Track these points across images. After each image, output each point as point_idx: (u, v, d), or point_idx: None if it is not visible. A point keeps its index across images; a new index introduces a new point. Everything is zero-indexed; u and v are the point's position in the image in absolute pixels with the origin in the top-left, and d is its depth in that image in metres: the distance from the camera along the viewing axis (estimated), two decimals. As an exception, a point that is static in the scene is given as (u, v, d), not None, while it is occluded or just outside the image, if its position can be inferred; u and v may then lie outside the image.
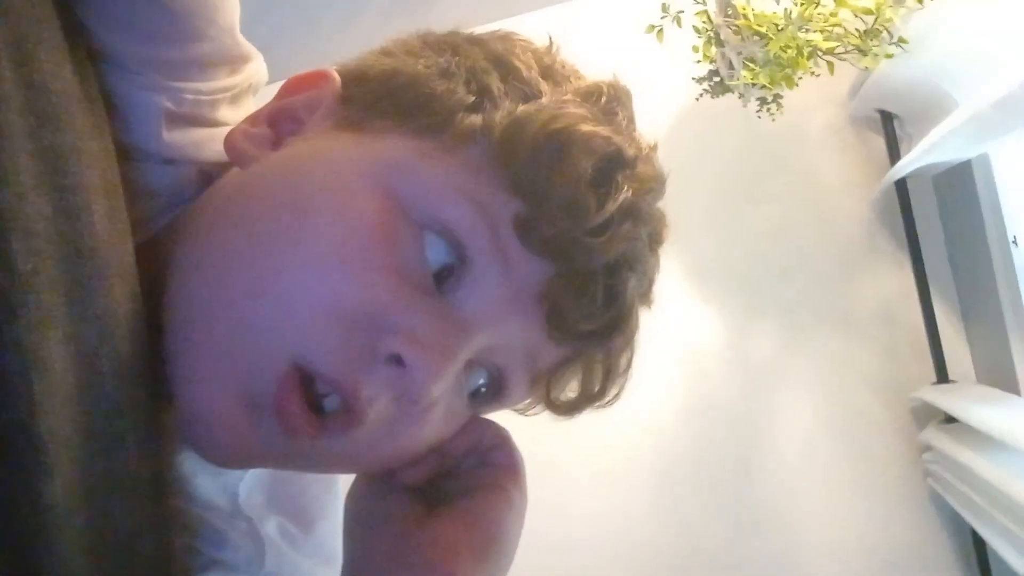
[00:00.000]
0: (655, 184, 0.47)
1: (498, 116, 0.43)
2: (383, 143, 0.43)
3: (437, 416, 0.43)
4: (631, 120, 0.48)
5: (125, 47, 0.40)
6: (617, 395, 0.52)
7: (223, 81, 0.45)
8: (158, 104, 0.42)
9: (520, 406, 0.50)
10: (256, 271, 0.39)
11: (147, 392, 0.39)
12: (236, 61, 0.46)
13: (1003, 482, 1.10)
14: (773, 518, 1.48)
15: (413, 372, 0.38)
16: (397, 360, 0.38)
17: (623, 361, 0.50)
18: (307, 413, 0.38)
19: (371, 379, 0.39)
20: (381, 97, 0.45)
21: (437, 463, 0.47)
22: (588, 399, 0.50)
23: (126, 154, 0.41)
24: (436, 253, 0.41)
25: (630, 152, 0.45)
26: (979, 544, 1.39)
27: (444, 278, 0.41)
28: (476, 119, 0.43)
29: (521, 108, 0.43)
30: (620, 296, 0.44)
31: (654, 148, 0.49)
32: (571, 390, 0.50)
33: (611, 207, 0.42)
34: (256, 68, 0.49)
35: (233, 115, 0.47)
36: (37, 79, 0.34)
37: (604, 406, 0.52)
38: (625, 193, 0.43)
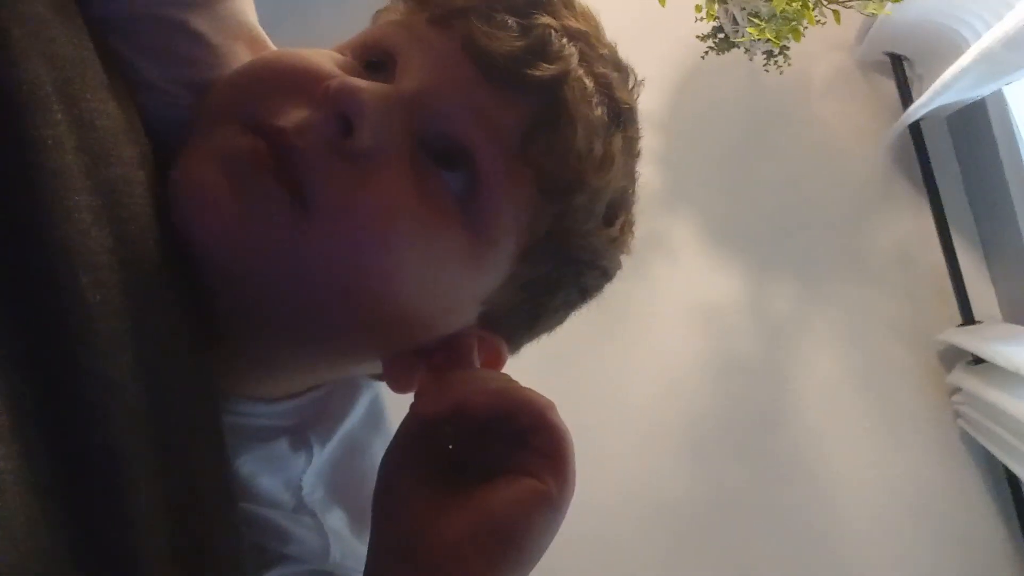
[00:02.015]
0: None
1: None
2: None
3: (402, 179, 0.42)
4: None
5: (158, 73, 0.43)
6: (603, 169, 0.47)
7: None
8: (185, 90, 0.45)
9: (516, 202, 0.46)
10: (229, 79, 0.45)
11: (211, 397, 0.41)
12: (258, 40, 0.49)
13: None
14: (803, 469, 1.49)
15: (343, 88, 0.41)
16: (326, 91, 0.41)
17: (596, 115, 0.46)
18: (275, 164, 0.40)
19: (309, 114, 0.41)
20: None
21: (454, 405, 0.42)
22: (571, 158, 0.45)
23: (165, 171, 0.43)
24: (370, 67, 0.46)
25: None
26: (1014, 482, 1.40)
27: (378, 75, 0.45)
28: None
29: None
30: (536, 26, 0.45)
31: None
32: (553, 152, 0.45)
33: None
34: None
35: None
36: (86, 118, 0.36)
37: (598, 201, 0.48)
38: None
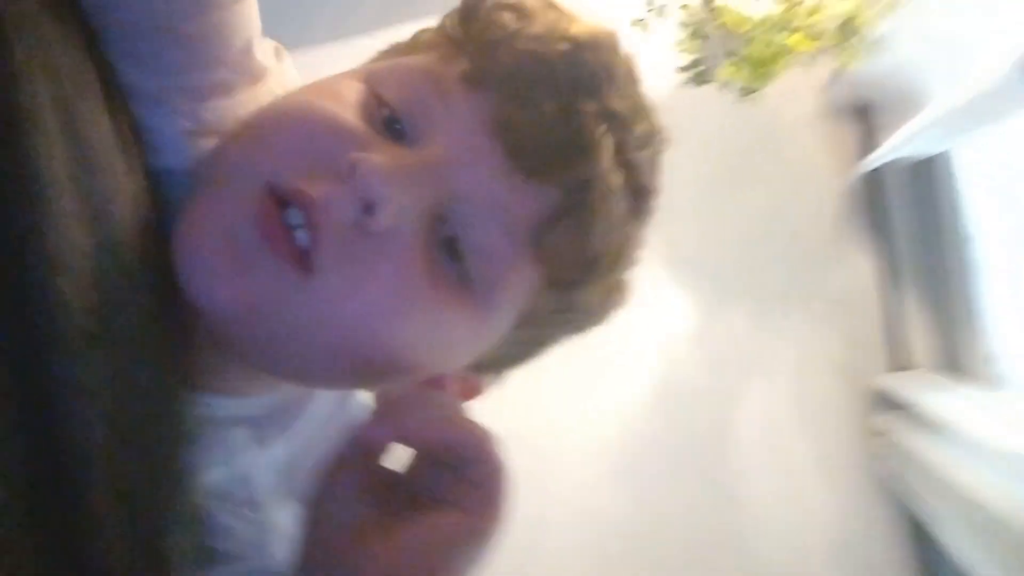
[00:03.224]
0: (602, 35, 0.47)
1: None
2: (374, 63, 0.50)
3: (414, 257, 0.42)
4: None
5: (148, 80, 0.44)
6: (616, 263, 0.49)
7: (243, 96, 0.48)
8: (182, 128, 0.45)
9: (521, 282, 0.46)
10: (249, 128, 0.44)
11: (174, 389, 0.42)
12: (255, 77, 0.49)
13: (947, 470, 1.14)
14: (733, 497, 1.53)
15: (368, 172, 0.40)
16: (355, 166, 0.41)
17: (615, 211, 0.46)
18: (286, 231, 0.40)
19: (331, 189, 0.40)
20: (381, 54, 0.52)
21: (396, 433, 0.43)
22: (583, 257, 0.46)
23: (157, 177, 0.45)
24: (394, 126, 0.44)
25: (560, 4, 0.48)
26: (919, 530, 1.44)
27: (401, 140, 0.44)
28: (445, 22, 0.49)
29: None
30: (575, 111, 0.43)
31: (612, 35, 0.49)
32: (566, 249, 0.45)
33: (534, 28, 0.45)
34: (279, 76, 0.51)
35: None
36: (78, 129, 0.37)
37: (602, 287, 0.49)
38: (556, 21, 0.46)
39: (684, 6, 1.25)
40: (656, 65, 1.45)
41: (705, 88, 1.36)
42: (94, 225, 0.37)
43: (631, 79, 0.48)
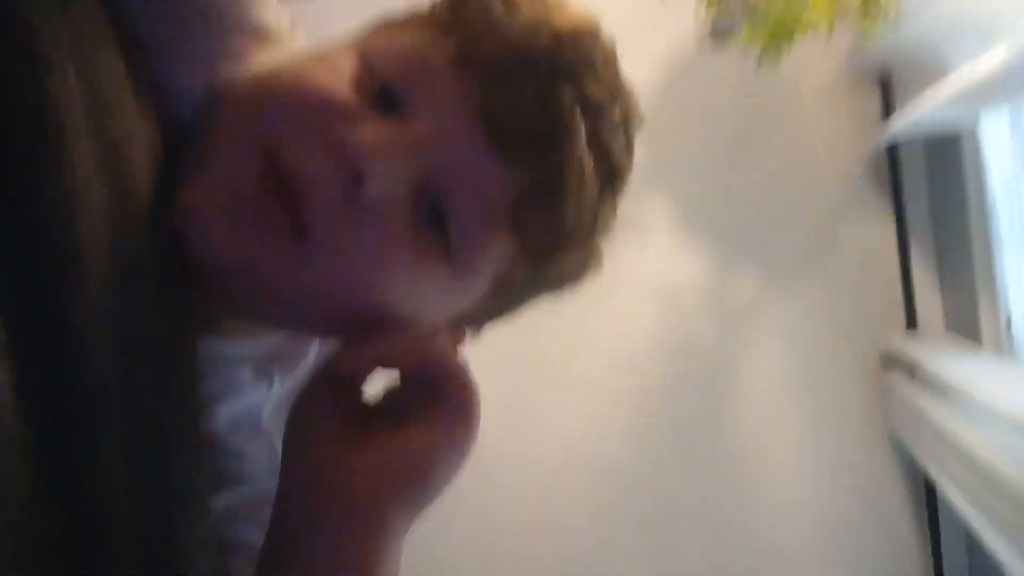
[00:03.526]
0: (584, 26, 0.50)
1: None
2: (368, 36, 0.52)
3: (398, 227, 0.45)
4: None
5: (163, 39, 0.46)
6: (588, 237, 0.51)
7: (257, 58, 0.50)
8: (197, 83, 0.48)
9: (498, 251, 0.49)
10: (249, 97, 0.46)
11: (189, 332, 0.45)
12: (269, 41, 0.51)
13: (956, 429, 1.16)
14: (736, 454, 1.56)
15: (356, 146, 0.43)
16: (344, 140, 0.43)
17: (588, 190, 0.49)
18: (281, 197, 0.43)
19: (324, 161, 0.43)
20: (375, 26, 0.54)
21: (377, 357, 0.46)
22: (557, 230, 0.49)
23: (170, 126, 0.46)
24: (383, 99, 0.46)
25: None
26: (930, 489, 1.48)
27: (390, 112, 0.46)
28: (440, 5, 0.51)
29: None
30: (553, 99, 0.46)
31: (594, 18, 0.52)
32: (541, 223, 0.48)
33: (519, 18, 0.48)
34: (291, 46, 0.53)
35: None
36: (95, 76, 0.39)
37: (576, 257, 0.53)
38: (539, 11, 0.48)
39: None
40: (677, 28, 1.48)
41: (726, 54, 1.36)
42: (109, 167, 0.39)
43: (610, 67, 0.51)
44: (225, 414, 0.52)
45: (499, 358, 1.42)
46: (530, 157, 0.46)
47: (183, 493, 0.44)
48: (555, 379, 1.57)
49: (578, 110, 0.47)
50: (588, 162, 0.48)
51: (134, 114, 0.42)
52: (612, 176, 0.51)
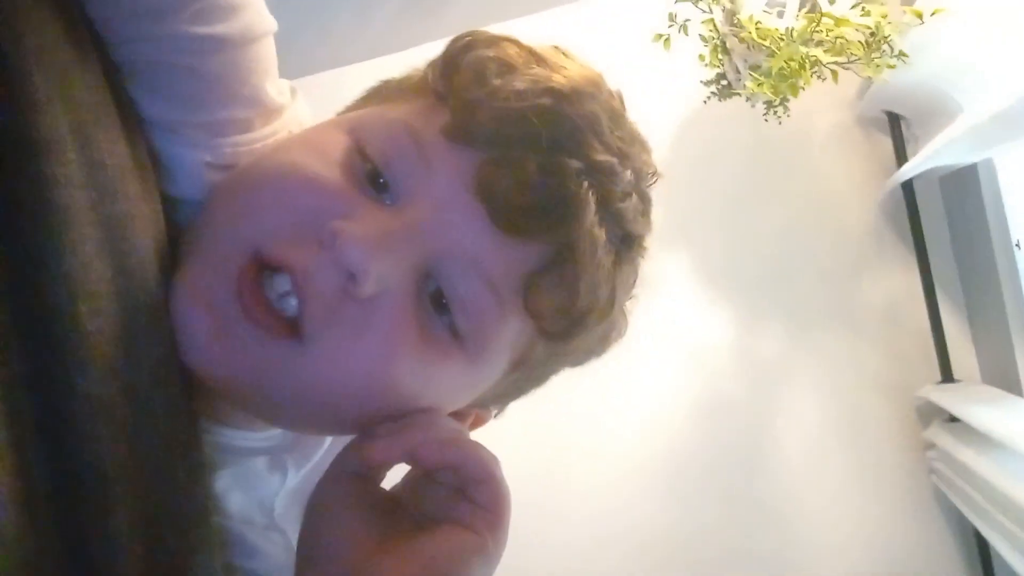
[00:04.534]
0: (585, 84, 0.46)
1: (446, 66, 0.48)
2: (360, 111, 0.50)
3: (401, 319, 0.42)
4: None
5: (167, 113, 0.45)
6: (606, 312, 0.48)
7: (260, 131, 0.49)
8: (200, 159, 0.46)
9: (512, 334, 0.47)
10: (235, 190, 0.45)
11: (193, 422, 0.43)
12: (271, 113, 0.50)
13: (1003, 483, 1.12)
14: (780, 515, 1.51)
15: (349, 244, 0.40)
16: (335, 236, 0.41)
17: (601, 263, 0.46)
18: (268, 302, 0.41)
19: (316, 257, 0.41)
20: (370, 93, 0.53)
21: (406, 453, 0.44)
22: (572, 311, 0.46)
23: (173, 204, 0.45)
24: (377, 182, 0.44)
25: (544, 54, 0.47)
26: (982, 544, 1.41)
27: (384, 197, 0.44)
28: (428, 71, 0.49)
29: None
30: (557, 172, 0.43)
31: (596, 72, 0.49)
32: (554, 305, 0.46)
33: (516, 83, 0.45)
34: (293, 114, 0.52)
35: None
36: (96, 157, 0.38)
37: (596, 333, 0.49)
38: (537, 74, 0.45)
39: (707, 21, 1.24)
40: (681, 80, 1.48)
41: (734, 103, 1.35)
42: (112, 252, 0.38)
43: (617, 122, 0.48)
44: (238, 507, 0.50)
45: (527, 425, 1.43)
46: (537, 236, 0.44)
47: None
48: (583, 448, 1.55)
49: (585, 182, 0.44)
50: (600, 235, 0.45)
51: (136, 194, 0.41)
52: (628, 242, 0.49)
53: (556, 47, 0.50)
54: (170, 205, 0.45)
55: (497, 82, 0.45)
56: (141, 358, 0.39)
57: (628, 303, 0.53)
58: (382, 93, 0.52)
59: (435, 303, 0.44)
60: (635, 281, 0.53)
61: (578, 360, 0.54)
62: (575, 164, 0.44)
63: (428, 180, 0.44)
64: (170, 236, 0.44)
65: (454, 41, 0.49)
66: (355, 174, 0.44)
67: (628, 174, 0.47)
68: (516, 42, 0.48)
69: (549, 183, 0.43)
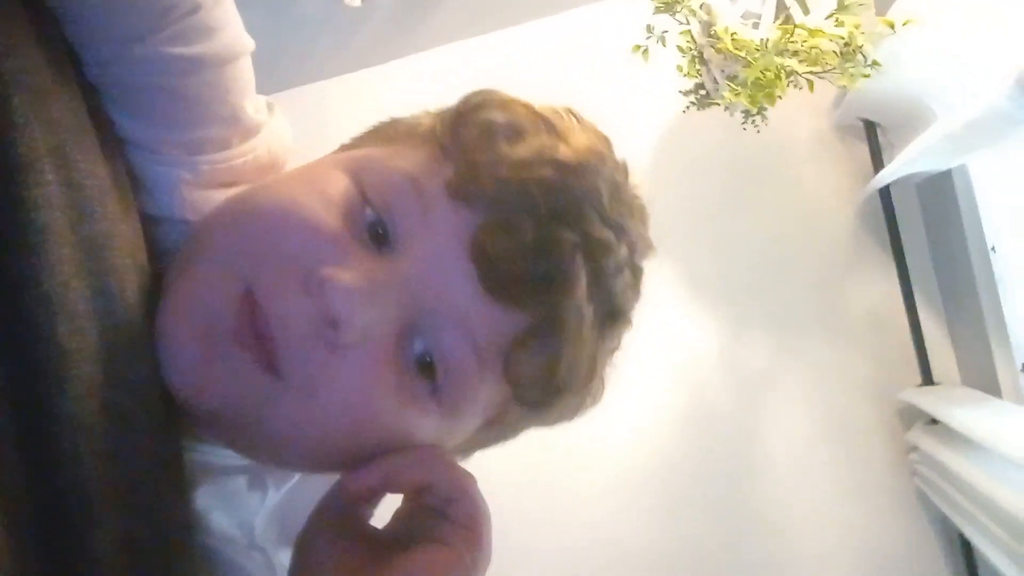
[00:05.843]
0: (590, 155, 0.47)
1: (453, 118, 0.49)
2: (362, 150, 0.50)
3: (380, 370, 0.42)
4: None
5: (146, 133, 0.45)
6: (584, 384, 0.49)
7: (238, 149, 0.49)
8: (177, 177, 0.46)
9: (489, 396, 0.47)
10: (233, 219, 0.44)
11: (174, 440, 0.43)
12: (249, 131, 0.50)
13: (983, 483, 1.14)
14: (765, 521, 1.52)
15: (337, 293, 0.40)
16: (323, 283, 0.41)
17: (586, 338, 0.46)
18: (257, 335, 0.41)
19: (300, 300, 0.41)
20: (376, 131, 0.53)
21: (383, 478, 0.44)
22: (550, 383, 0.46)
23: (152, 222, 0.46)
24: (374, 230, 0.44)
25: (554, 121, 0.47)
26: (966, 544, 1.43)
27: (381, 245, 0.44)
28: (437, 123, 0.49)
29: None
30: (552, 245, 0.43)
31: (603, 140, 0.49)
32: (534, 375, 0.46)
33: (521, 150, 0.45)
34: (271, 131, 0.52)
35: (254, 173, 0.51)
36: (75, 178, 0.38)
37: (573, 401, 0.50)
38: (543, 143, 0.45)
39: (684, 32, 1.26)
40: (660, 90, 1.50)
41: (713, 112, 1.37)
42: (92, 272, 0.38)
43: (618, 195, 0.48)
44: (218, 526, 0.50)
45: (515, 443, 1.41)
46: (525, 304, 0.44)
47: None
48: (572, 461, 1.55)
49: (579, 256, 0.44)
50: (588, 311, 0.45)
51: (115, 213, 0.41)
52: (613, 317, 0.49)
53: (569, 110, 0.50)
54: (150, 223, 0.45)
55: (504, 147, 0.45)
56: (123, 377, 0.39)
57: (607, 371, 0.54)
58: (388, 134, 0.52)
59: (416, 357, 0.44)
60: (616, 350, 0.53)
61: (550, 423, 0.54)
62: (571, 237, 0.44)
63: (425, 233, 0.44)
64: (150, 255, 0.44)
65: (467, 98, 0.49)
66: (353, 218, 0.44)
67: (623, 249, 0.48)
68: (527, 106, 0.48)
69: (543, 253, 0.43)
